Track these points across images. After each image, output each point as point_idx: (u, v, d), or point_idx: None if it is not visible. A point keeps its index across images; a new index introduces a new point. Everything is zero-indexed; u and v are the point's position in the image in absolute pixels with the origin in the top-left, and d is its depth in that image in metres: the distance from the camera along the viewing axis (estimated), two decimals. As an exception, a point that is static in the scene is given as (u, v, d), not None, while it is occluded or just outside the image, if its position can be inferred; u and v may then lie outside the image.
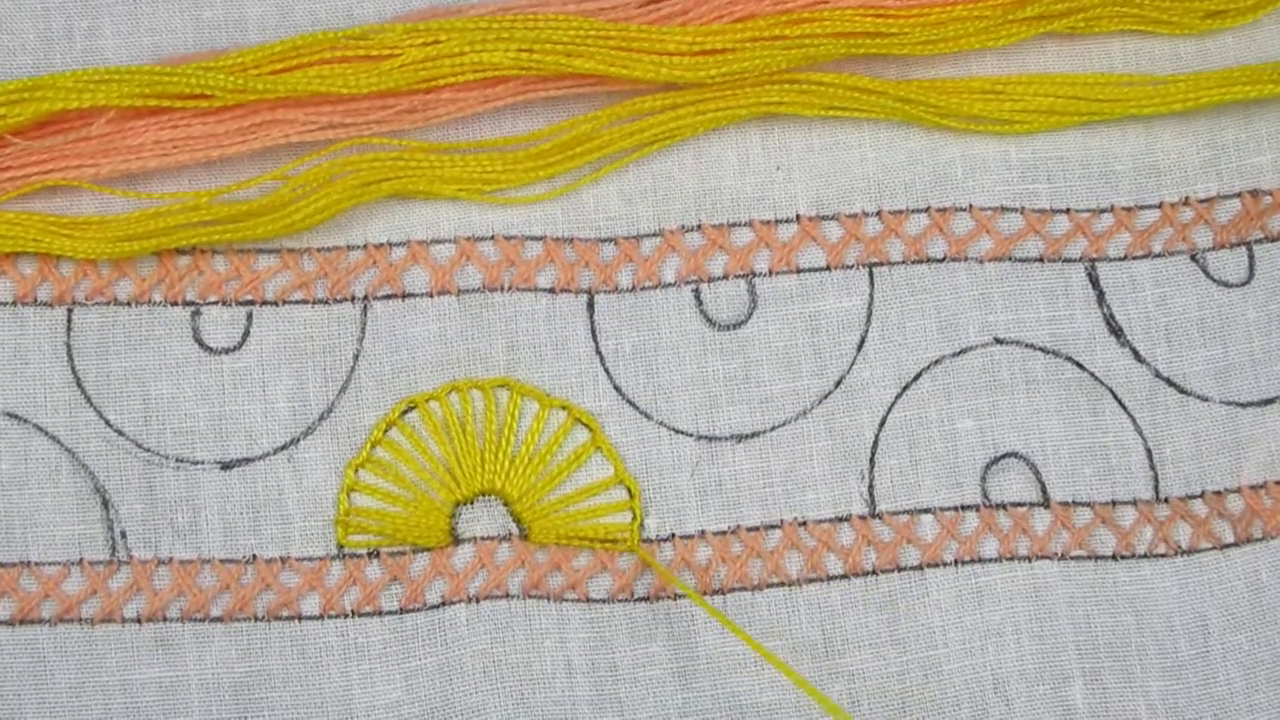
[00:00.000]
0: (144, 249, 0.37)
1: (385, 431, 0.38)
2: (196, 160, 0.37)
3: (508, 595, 0.37)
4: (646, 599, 0.37)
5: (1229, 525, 0.39)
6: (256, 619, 0.36)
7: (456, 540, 0.37)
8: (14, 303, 0.38)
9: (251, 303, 0.38)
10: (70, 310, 0.38)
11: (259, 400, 0.37)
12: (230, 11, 0.39)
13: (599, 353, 0.38)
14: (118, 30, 0.39)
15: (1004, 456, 0.39)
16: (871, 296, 0.39)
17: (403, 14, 0.39)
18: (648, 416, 0.38)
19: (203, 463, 0.37)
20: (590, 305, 0.39)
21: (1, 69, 0.38)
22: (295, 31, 0.39)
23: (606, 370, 0.38)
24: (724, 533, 0.38)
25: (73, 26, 0.39)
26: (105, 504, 0.37)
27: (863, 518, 0.38)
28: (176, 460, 0.37)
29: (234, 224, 0.37)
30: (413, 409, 0.38)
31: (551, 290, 0.38)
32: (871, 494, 0.38)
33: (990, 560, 0.38)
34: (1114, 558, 0.38)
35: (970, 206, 0.40)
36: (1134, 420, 0.39)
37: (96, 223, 0.37)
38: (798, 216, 0.39)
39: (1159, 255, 0.40)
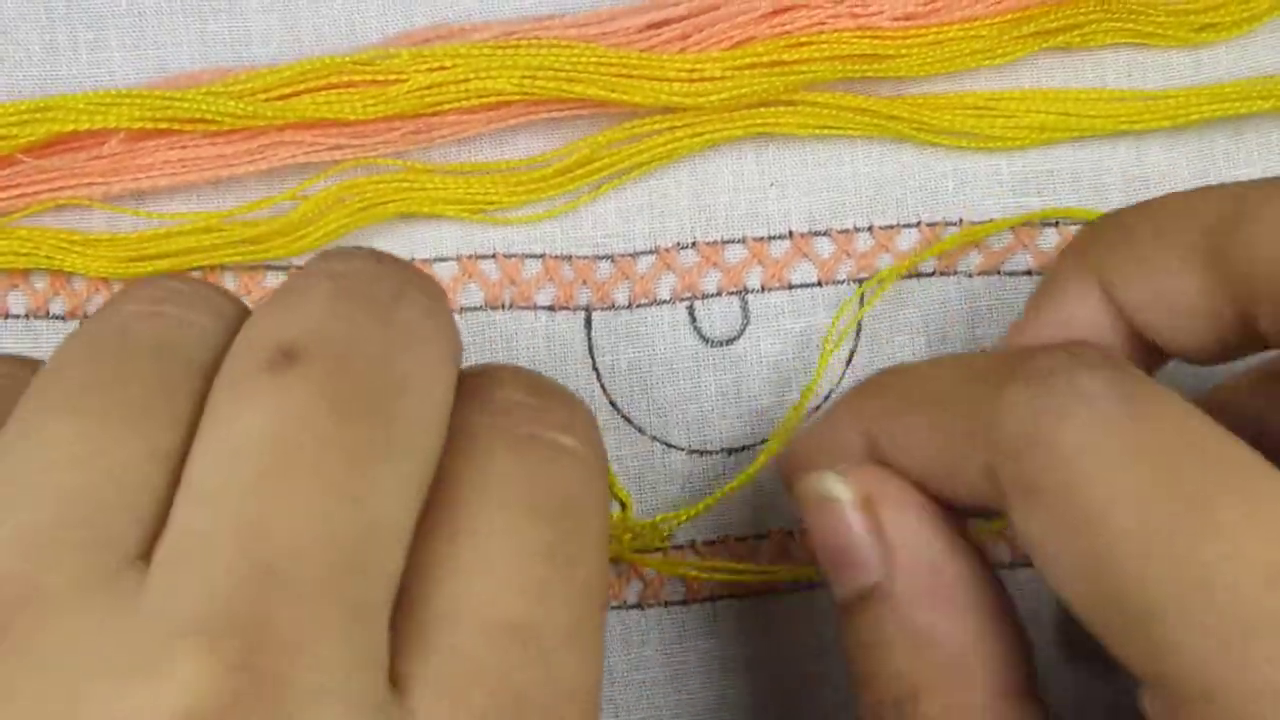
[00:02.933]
0: (156, 270, 0.37)
1: (389, 447, 0.38)
2: (205, 180, 0.37)
3: (507, 602, 0.38)
4: (639, 606, 0.39)
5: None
6: (266, 625, 0.38)
7: (458, 553, 0.38)
8: (27, 316, 0.38)
9: (259, 318, 0.39)
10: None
11: (267, 414, 0.38)
12: (235, 24, 0.39)
13: (596, 369, 0.39)
14: (123, 43, 0.39)
15: (988, 467, 0.39)
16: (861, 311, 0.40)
17: (404, 28, 0.39)
18: (642, 431, 0.39)
19: (213, 475, 0.38)
20: (588, 322, 0.39)
21: (8, 81, 0.39)
22: (299, 44, 0.39)
23: (603, 386, 0.39)
24: (713, 543, 0.39)
25: (77, 38, 0.39)
26: (119, 514, 0.38)
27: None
28: (188, 472, 0.38)
29: (246, 245, 0.37)
30: (416, 426, 0.39)
31: (550, 308, 0.39)
32: (859, 504, 0.39)
33: (973, 567, 0.39)
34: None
35: (960, 221, 0.40)
36: (1116, 429, 0.40)
37: (108, 241, 0.38)
38: (790, 233, 0.40)
39: (1145, 267, 0.41)
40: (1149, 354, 0.31)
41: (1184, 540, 0.22)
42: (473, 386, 0.24)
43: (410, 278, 0.23)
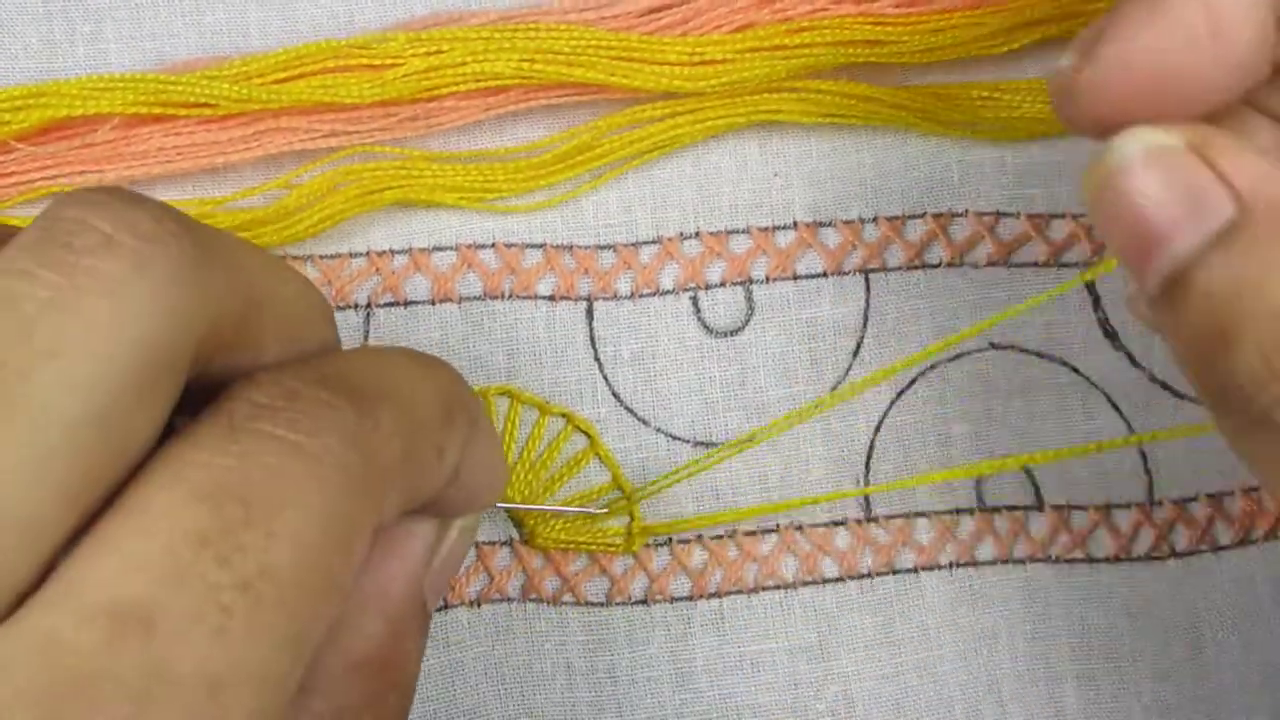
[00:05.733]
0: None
1: (387, 437, 0.38)
2: (200, 167, 0.37)
3: (508, 599, 0.37)
4: (644, 602, 0.38)
5: (1222, 528, 0.39)
6: (260, 622, 0.37)
7: (457, 545, 0.38)
8: (20, 308, 0.38)
9: (255, 309, 0.38)
10: (75, 316, 0.38)
11: (262, 406, 0.38)
12: (232, 16, 0.39)
13: (598, 360, 0.39)
14: (120, 35, 0.39)
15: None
16: (868, 303, 0.39)
17: (404, 20, 0.39)
18: (645, 423, 0.38)
19: (207, 468, 0.37)
20: (589, 312, 0.39)
21: (5, 73, 0.38)
22: (297, 36, 0.39)
23: (605, 377, 0.39)
24: (720, 537, 0.38)
25: (75, 31, 0.39)
26: (111, 508, 0.37)
27: (859, 522, 0.38)
28: (181, 465, 0.37)
29: (239, 232, 0.37)
30: (414, 415, 0.38)
31: (551, 298, 0.39)
32: (867, 498, 0.38)
33: (985, 563, 0.38)
34: (1108, 560, 0.39)
35: (967, 212, 0.40)
36: (1129, 424, 0.39)
37: (101, 230, 0.37)
38: (795, 223, 0.39)
39: (1155, 260, 0.40)
40: None
41: None
42: (240, 379, 0.23)
43: (136, 221, 0.21)
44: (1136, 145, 0.26)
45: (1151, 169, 0.26)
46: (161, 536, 0.20)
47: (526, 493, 0.38)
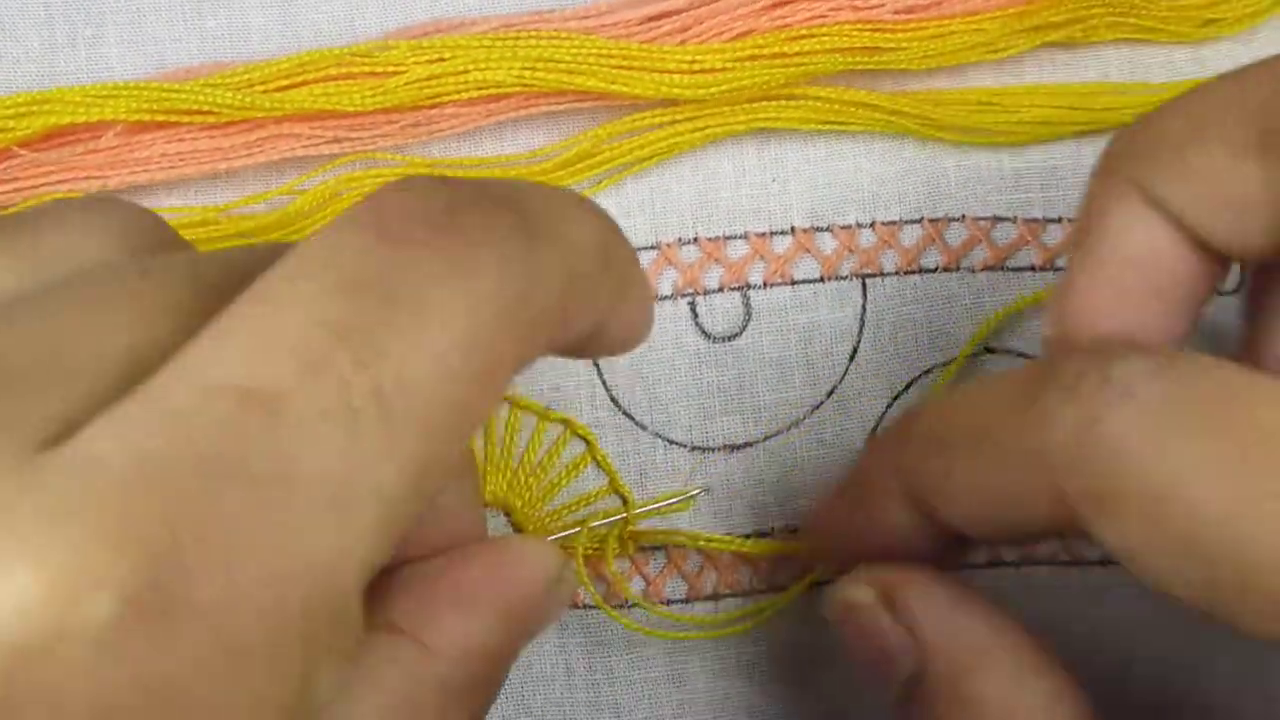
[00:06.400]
0: (151, 264, 0.37)
1: (389, 443, 0.38)
2: (203, 173, 0.37)
3: (507, 600, 0.38)
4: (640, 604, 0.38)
5: (1214, 530, 0.39)
6: (263, 624, 0.37)
7: (458, 549, 0.38)
8: (24, 312, 0.38)
9: (257, 313, 0.38)
10: (79, 320, 0.38)
11: (265, 410, 0.38)
12: (233, 21, 0.39)
13: (596, 365, 0.39)
14: (121, 38, 0.39)
15: (993, 464, 0.39)
16: (864, 307, 0.39)
17: (404, 25, 0.39)
18: (643, 428, 0.39)
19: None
20: (589, 317, 0.39)
21: (7, 77, 0.38)
22: (298, 41, 0.39)
23: (604, 382, 0.39)
24: (714, 540, 0.38)
25: (76, 35, 0.39)
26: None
27: (854, 525, 0.39)
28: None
29: (243, 239, 0.37)
30: (415, 421, 0.38)
31: (551, 303, 0.39)
32: (863, 502, 0.39)
33: (979, 566, 0.39)
34: (1102, 563, 0.39)
35: (964, 217, 0.40)
36: (1122, 427, 0.39)
37: (104, 235, 0.37)
38: (792, 229, 0.40)
39: (1150, 264, 0.40)
40: (1216, 263, 0.29)
41: (1271, 494, 0.22)
42: None
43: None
44: (837, 600, 0.30)
45: (848, 625, 0.30)
46: (296, 323, 0.19)
47: (527, 497, 0.38)
